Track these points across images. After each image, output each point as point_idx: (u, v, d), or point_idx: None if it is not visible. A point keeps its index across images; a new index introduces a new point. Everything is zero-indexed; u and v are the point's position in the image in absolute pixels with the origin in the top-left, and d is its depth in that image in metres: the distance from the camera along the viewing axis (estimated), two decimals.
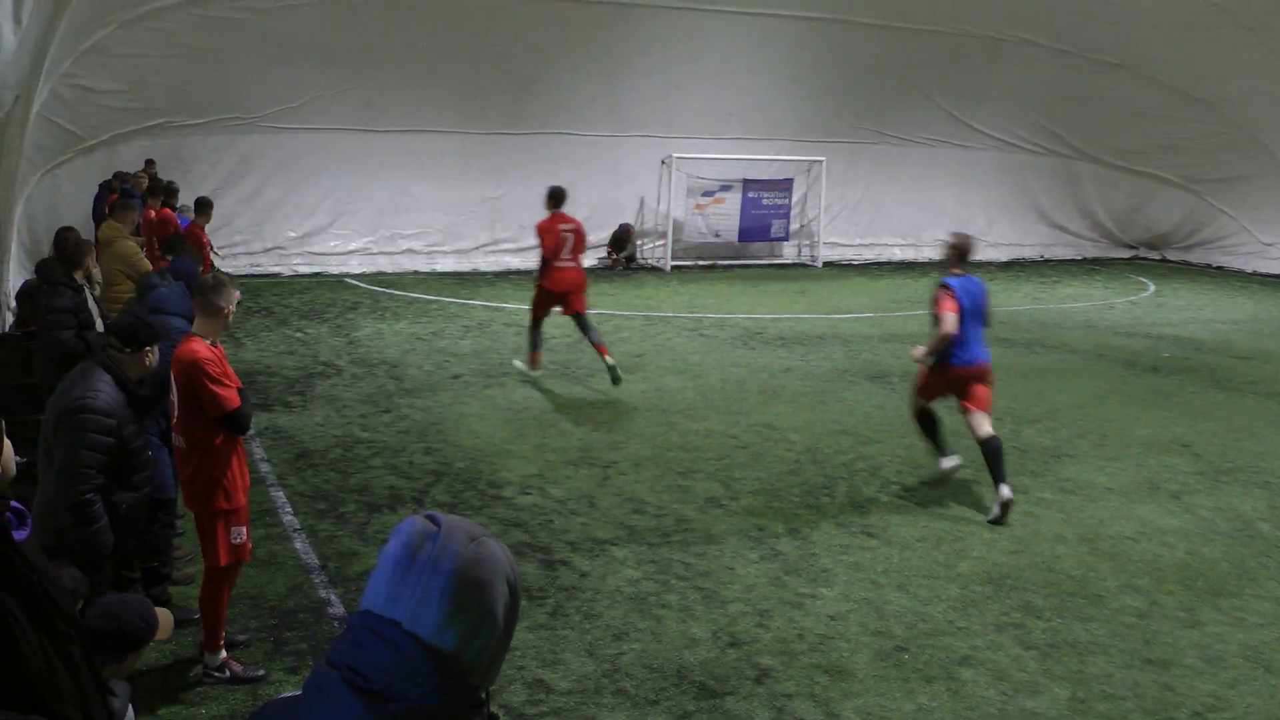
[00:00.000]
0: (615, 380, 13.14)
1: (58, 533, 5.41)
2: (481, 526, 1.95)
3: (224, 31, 20.85)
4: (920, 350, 9.91)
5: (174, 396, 6.14)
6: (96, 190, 18.16)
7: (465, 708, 1.84)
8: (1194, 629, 7.32)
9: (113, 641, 4.16)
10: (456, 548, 1.86)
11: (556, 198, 13.69)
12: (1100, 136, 29.28)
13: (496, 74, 23.60)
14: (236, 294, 6.33)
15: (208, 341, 6.10)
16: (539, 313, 13.65)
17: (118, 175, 18.46)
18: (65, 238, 9.12)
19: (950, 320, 9.43)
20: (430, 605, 1.82)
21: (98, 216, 17.34)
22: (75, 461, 5.32)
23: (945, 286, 9.60)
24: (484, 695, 1.91)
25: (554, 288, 13.40)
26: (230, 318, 6.32)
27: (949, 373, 9.69)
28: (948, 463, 9.99)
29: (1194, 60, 26.25)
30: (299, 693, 1.90)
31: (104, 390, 5.38)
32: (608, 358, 13.17)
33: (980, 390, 9.64)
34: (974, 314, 9.66)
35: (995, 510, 9.28)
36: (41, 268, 9.27)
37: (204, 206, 15.87)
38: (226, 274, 6.43)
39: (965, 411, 9.67)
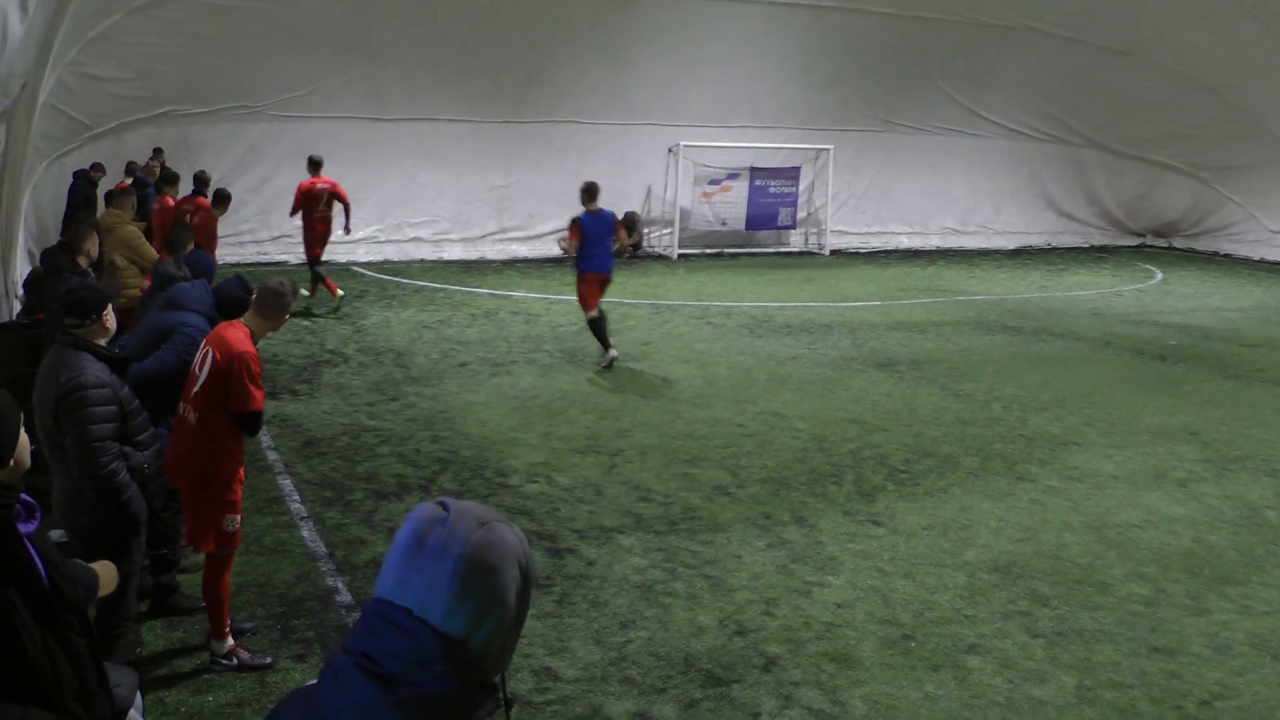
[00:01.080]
0: (335, 309, 17.16)
1: (90, 513, 5.44)
2: (494, 511, 1.96)
3: (231, 19, 20.81)
4: (562, 242, 14.30)
5: (199, 370, 6.15)
6: (71, 180, 18.13)
7: (477, 692, 1.85)
8: (1201, 617, 7.32)
9: None
10: (465, 533, 1.86)
11: (315, 164, 17.69)
12: (1108, 124, 29.19)
13: (505, 62, 23.55)
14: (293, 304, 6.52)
15: (255, 338, 6.21)
16: (311, 255, 17.55)
17: (95, 166, 18.45)
18: (67, 225, 9.17)
19: (572, 245, 13.83)
20: (439, 590, 1.82)
21: (71, 207, 17.42)
22: (88, 438, 5.34)
23: (576, 220, 13.88)
24: (498, 679, 1.91)
25: (314, 234, 17.43)
26: (281, 324, 6.51)
27: (586, 279, 13.94)
28: (611, 354, 13.95)
29: (1202, 48, 26.15)
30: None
31: (87, 365, 5.39)
32: (338, 292, 17.32)
33: (594, 292, 13.98)
34: (599, 238, 13.80)
35: (604, 363, 13.86)
36: (46, 256, 9.28)
37: (221, 199, 16.00)
38: (294, 283, 6.49)
39: (582, 305, 14.09)
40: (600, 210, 13.89)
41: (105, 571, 4.26)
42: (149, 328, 7.22)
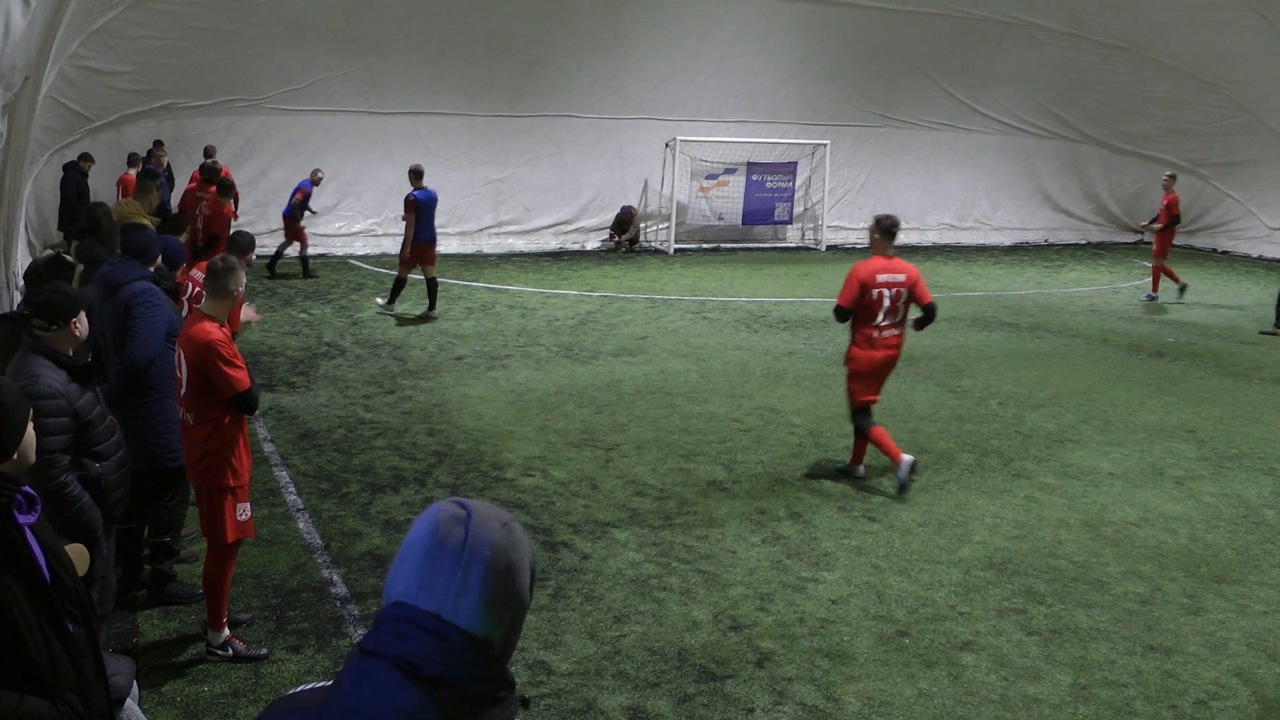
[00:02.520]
0: None
1: (48, 518, 5.38)
2: (501, 509, 1.94)
3: (230, 13, 20.79)
4: (404, 221, 16.51)
5: (180, 373, 6.19)
6: (62, 173, 18.14)
7: (503, 688, 1.86)
8: (1197, 616, 7.33)
9: None
10: (490, 535, 1.85)
11: (210, 154, 19.70)
12: (1106, 120, 29.20)
13: (503, 56, 23.54)
14: (244, 277, 6.43)
15: (218, 322, 6.18)
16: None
17: (83, 157, 18.47)
18: (93, 214, 9.20)
19: (412, 220, 16.16)
20: (470, 595, 1.81)
21: (65, 198, 17.45)
22: (39, 449, 5.24)
23: (412, 198, 16.26)
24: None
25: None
26: (240, 300, 6.43)
27: (418, 246, 16.32)
28: (381, 303, 17.32)
29: (1202, 44, 26.15)
30: (326, 683, 1.89)
31: (43, 373, 5.22)
32: None
33: (430, 255, 16.58)
34: (430, 211, 16.41)
35: (383, 304, 17.30)
36: (81, 250, 9.11)
37: (226, 188, 16.18)
38: (238, 256, 6.46)
39: (422, 267, 16.65)
40: (427, 188, 16.61)
41: (77, 555, 4.20)
42: (112, 317, 7.01)
